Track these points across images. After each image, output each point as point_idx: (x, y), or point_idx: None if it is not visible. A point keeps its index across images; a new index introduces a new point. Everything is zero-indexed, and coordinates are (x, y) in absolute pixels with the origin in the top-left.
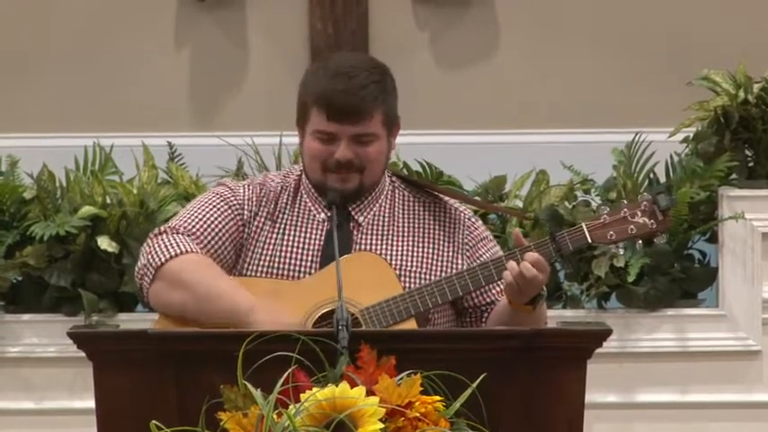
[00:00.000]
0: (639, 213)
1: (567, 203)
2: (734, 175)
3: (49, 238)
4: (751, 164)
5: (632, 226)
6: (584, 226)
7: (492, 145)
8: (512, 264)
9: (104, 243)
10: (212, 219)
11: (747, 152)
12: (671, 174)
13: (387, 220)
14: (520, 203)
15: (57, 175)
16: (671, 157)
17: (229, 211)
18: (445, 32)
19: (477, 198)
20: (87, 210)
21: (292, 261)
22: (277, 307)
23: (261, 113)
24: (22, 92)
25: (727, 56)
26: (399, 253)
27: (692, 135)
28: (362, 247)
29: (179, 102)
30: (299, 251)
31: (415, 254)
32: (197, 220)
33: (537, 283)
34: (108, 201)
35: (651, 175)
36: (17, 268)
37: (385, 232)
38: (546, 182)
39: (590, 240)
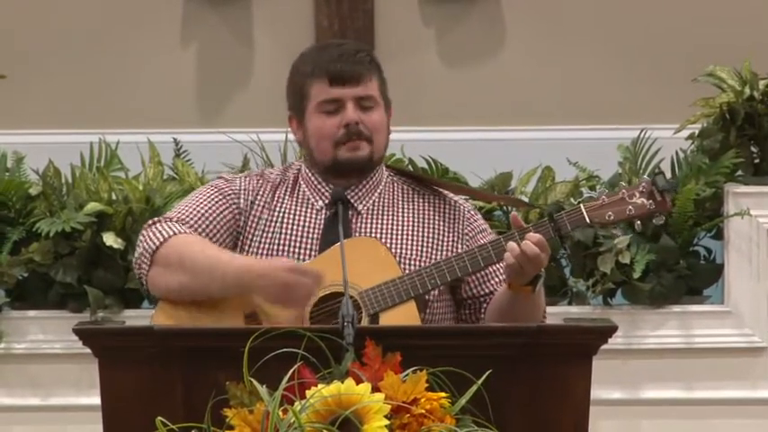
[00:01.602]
0: (638, 194)
1: (572, 200)
2: (739, 172)
3: (54, 234)
4: (757, 160)
5: (630, 207)
6: (582, 206)
7: (497, 141)
8: (512, 244)
9: (110, 239)
10: (206, 208)
11: (753, 149)
12: (676, 170)
13: (386, 208)
14: (525, 200)
15: (62, 172)
16: (676, 153)
17: (223, 201)
18: (451, 29)
19: (480, 191)
20: (93, 206)
21: (291, 248)
22: (273, 260)
23: (266, 110)
24: (28, 88)
25: (733, 52)
26: (399, 240)
27: (697, 132)
28: (362, 234)
29: (185, 98)
30: (298, 238)
31: (415, 241)
32: (190, 210)
33: (538, 262)
34: (114, 197)
35: (657, 171)
36: (23, 264)
37: (384, 220)
38: (551, 178)
39: (588, 221)
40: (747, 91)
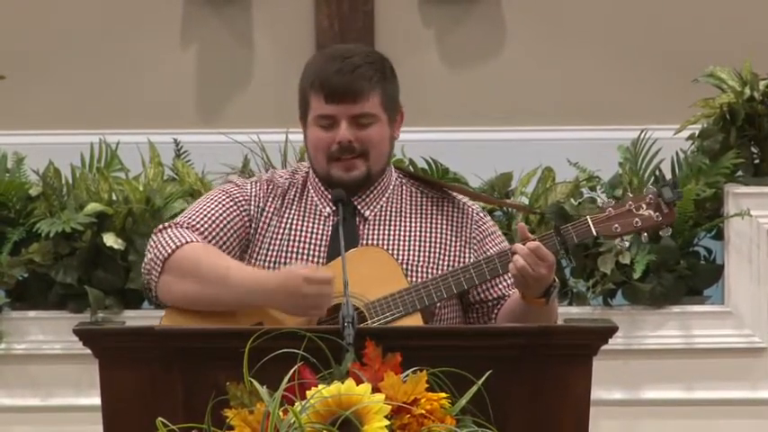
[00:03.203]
0: (644, 206)
1: (572, 200)
2: (740, 173)
3: (55, 234)
4: (757, 161)
5: (637, 219)
6: (588, 219)
7: (498, 142)
8: (515, 257)
9: (110, 240)
10: (216, 214)
11: (753, 149)
12: (677, 171)
13: (393, 214)
14: (526, 200)
15: (63, 172)
16: (677, 154)
17: (234, 207)
18: (451, 30)
19: (483, 194)
20: (93, 207)
21: (299, 255)
22: (286, 271)
23: (267, 111)
24: (29, 89)
25: (733, 53)
26: (406, 247)
27: (697, 132)
28: (369, 241)
29: (185, 99)
30: (306, 246)
31: (422, 248)
32: (200, 215)
33: (540, 270)
34: (114, 198)
35: (657, 172)
36: (23, 265)
37: (391, 226)
38: (552, 179)
39: (595, 233)
40: (747, 91)
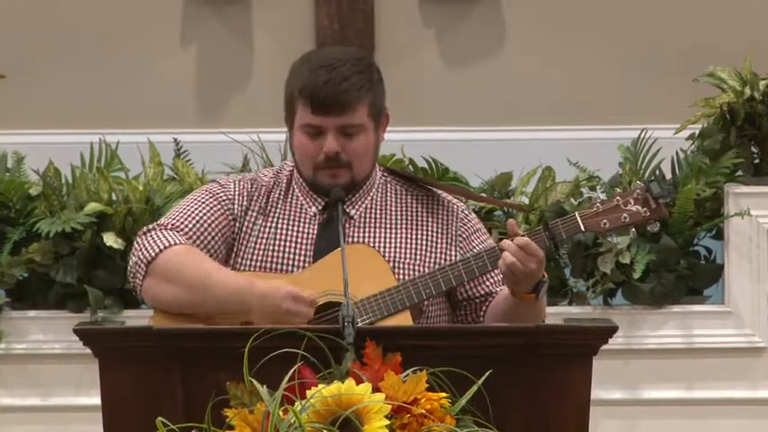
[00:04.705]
0: (632, 201)
1: (572, 200)
2: (740, 172)
3: (55, 234)
4: (757, 161)
5: (625, 214)
6: (577, 215)
7: (498, 141)
8: (504, 253)
9: (110, 240)
10: (200, 214)
11: (753, 149)
12: (677, 170)
13: (379, 212)
14: (526, 200)
15: (63, 172)
16: (677, 153)
17: (218, 206)
18: (451, 29)
19: (482, 194)
20: (93, 206)
21: (285, 255)
22: (273, 283)
23: (266, 110)
24: (29, 89)
25: (734, 53)
26: (392, 245)
27: (697, 132)
28: (355, 240)
29: (185, 98)
30: (292, 245)
31: (409, 245)
32: (185, 216)
33: (529, 265)
34: (114, 197)
35: (657, 172)
36: (23, 265)
37: (377, 225)
38: (552, 178)
39: (583, 229)
40: (748, 91)
